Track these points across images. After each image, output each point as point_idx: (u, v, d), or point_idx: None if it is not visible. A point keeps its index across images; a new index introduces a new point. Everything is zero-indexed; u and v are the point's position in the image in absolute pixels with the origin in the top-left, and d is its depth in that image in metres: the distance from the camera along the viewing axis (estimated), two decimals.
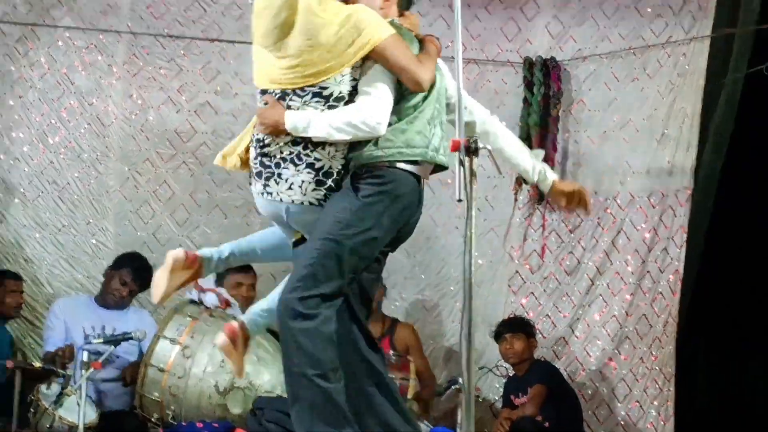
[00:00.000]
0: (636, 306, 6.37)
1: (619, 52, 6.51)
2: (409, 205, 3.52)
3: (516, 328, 5.85)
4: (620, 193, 6.48)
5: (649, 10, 6.47)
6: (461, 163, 3.09)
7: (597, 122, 6.64)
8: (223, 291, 5.74)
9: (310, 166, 3.30)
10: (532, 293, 6.63)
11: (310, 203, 3.32)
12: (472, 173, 3.08)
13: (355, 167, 3.49)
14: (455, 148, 3.14)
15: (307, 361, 3.34)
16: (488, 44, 6.64)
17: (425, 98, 3.53)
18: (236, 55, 6.62)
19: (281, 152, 3.34)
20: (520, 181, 6.36)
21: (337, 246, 3.35)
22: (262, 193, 3.39)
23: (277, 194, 3.34)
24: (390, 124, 3.42)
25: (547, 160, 6.02)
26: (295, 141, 3.31)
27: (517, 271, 6.61)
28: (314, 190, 3.31)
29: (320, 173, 3.28)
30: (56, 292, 6.47)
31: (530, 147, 6.13)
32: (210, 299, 5.61)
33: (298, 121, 3.39)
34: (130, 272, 5.95)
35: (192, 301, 5.62)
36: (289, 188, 3.32)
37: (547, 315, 6.59)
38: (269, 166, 3.36)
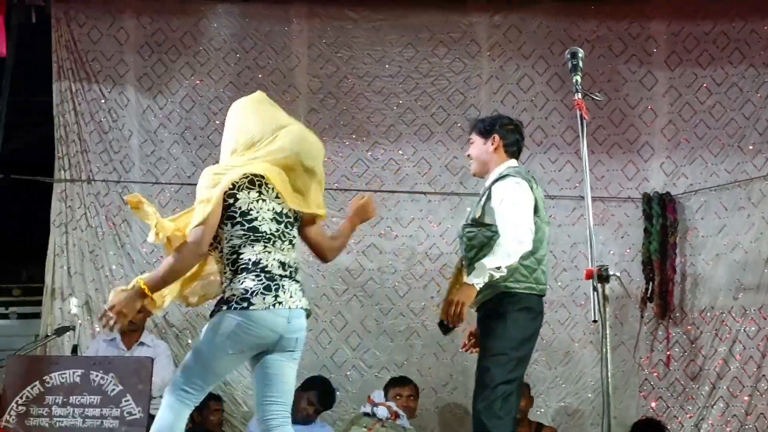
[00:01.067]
0: (754, 406, 7.00)
1: (726, 185, 7.39)
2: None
3: (650, 428, 6.72)
4: (734, 307, 7.22)
5: (750, 147, 7.45)
6: (594, 289, 3.64)
7: (710, 247, 7.41)
8: (392, 404, 6.59)
9: None
10: (661, 397, 7.33)
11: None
12: (605, 297, 3.64)
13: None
14: (589, 276, 3.69)
15: None
16: (611, 183, 7.57)
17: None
18: (395, 203, 7.82)
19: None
20: (645, 299, 7.32)
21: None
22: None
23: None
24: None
25: (667, 281, 7.34)
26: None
27: (646, 378, 7.33)
28: None
29: None
30: (251, 410, 7.15)
31: (652, 271, 7.35)
32: (381, 412, 6.47)
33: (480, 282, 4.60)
34: (316, 394, 6.85)
35: (366, 414, 6.48)
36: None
37: (675, 416, 7.25)
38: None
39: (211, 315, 4.22)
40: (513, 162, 5.05)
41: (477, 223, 4.86)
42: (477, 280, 4.64)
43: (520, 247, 4.65)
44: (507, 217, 4.72)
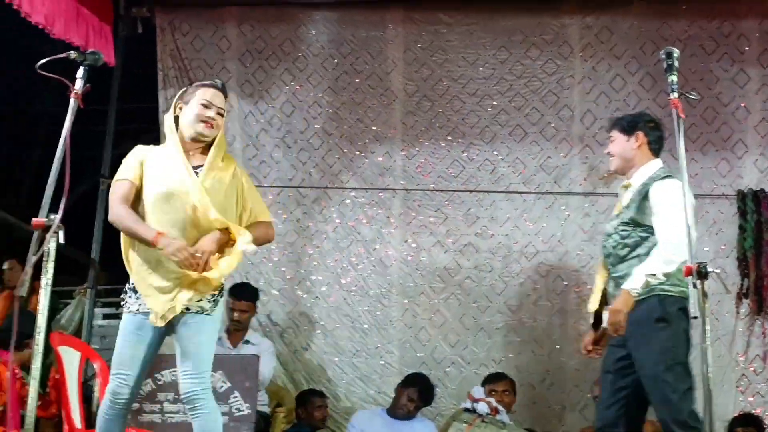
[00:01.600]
0: None
1: None
2: None
3: (748, 423, 6.91)
4: None
5: None
6: (694, 285, 3.72)
7: None
8: (492, 400, 6.82)
9: None
10: (758, 392, 7.48)
11: None
12: (704, 294, 3.73)
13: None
14: (688, 273, 3.76)
15: None
16: (705, 181, 7.72)
17: None
18: (491, 202, 8.08)
19: None
20: (740, 295, 7.55)
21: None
22: None
23: None
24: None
25: (763, 277, 7.56)
26: None
27: (743, 374, 7.49)
28: None
29: None
30: (353, 406, 7.79)
31: (747, 267, 7.60)
32: (481, 407, 6.72)
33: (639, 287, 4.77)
34: (416, 391, 7.12)
35: (466, 409, 6.72)
36: None
37: (754, 409, 7.39)
38: None
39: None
40: (659, 162, 5.18)
41: (633, 222, 4.99)
42: (635, 287, 4.79)
43: (680, 256, 4.62)
44: (669, 223, 4.77)
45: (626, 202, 5.13)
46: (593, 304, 5.33)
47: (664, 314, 4.83)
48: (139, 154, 4.70)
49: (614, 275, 5.08)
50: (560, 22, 8.29)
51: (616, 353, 5.07)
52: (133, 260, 4.55)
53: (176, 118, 4.75)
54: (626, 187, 5.22)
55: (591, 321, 5.36)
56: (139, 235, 4.49)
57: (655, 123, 5.28)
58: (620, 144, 5.21)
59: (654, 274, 4.76)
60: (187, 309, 4.54)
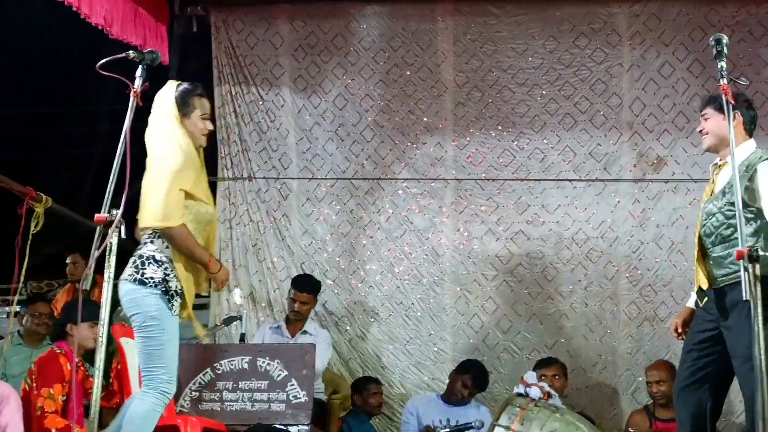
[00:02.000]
0: None
1: None
2: None
3: None
4: None
5: None
6: (745, 269, 3.76)
7: None
8: (545, 385, 6.63)
9: None
10: None
11: None
12: (756, 277, 3.75)
13: None
14: (740, 256, 3.81)
15: None
16: None
17: None
18: (541, 190, 8.15)
19: None
20: None
21: None
22: None
23: None
24: None
25: None
26: None
27: None
28: None
29: None
30: (408, 392, 7.94)
31: None
32: (534, 392, 6.49)
33: None
34: (471, 378, 7.24)
35: (519, 394, 6.47)
36: None
37: None
38: None
39: None
40: (753, 142, 5.02)
41: (744, 202, 4.66)
42: None
43: None
44: None
45: (725, 182, 4.95)
46: (703, 282, 5.10)
47: (764, 297, 4.41)
48: (189, 160, 4.77)
49: (715, 255, 4.92)
50: (608, 10, 8.32)
51: (701, 333, 4.99)
52: (179, 269, 4.68)
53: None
54: (720, 166, 5.07)
55: (693, 300, 5.26)
56: (196, 256, 4.71)
57: (750, 103, 5.15)
58: (716, 122, 4.99)
59: None
60: None
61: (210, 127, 4.89)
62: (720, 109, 4.91)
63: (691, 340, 5.07)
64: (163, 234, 4.63)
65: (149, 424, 4.53)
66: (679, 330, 5.20)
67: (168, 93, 4.80)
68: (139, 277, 4.61)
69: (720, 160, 5.07)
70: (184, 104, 4.79)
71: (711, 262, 4.92)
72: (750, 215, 4.78)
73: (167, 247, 4.65)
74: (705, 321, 4.99)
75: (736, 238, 4.60)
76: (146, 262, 4.66)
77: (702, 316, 5.00)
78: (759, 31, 8.00)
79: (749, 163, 4.88)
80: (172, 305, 4.63)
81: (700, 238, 5.01)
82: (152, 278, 4.61)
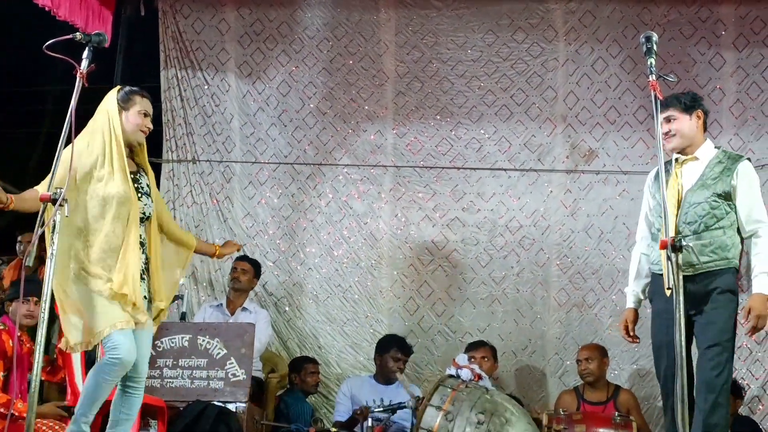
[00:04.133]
0: None
1: None
2: None
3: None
4: None
5: None
6: (669, 258, 3.86)
7: None
8: (475, 367, 6.45)
9: None
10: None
11: None
12: (678, 267, 3.83)
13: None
14: (663, 246, 3.90)
15: None
16: None
17: None
18: (477, 179, 8.24)
19: None
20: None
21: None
22: None
23: None
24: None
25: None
26: None
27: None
28: None
29: None
30: (344, 372, 8.00)
31: None
32: (465, 374, 6.35)
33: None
34: (397, 349, 7.25)
35: (451, 376, 6.32)
36: None
37: (742, 378, 7.40)
38: None
39: None
40: (708, 138, 5.27)
41: (724, 195, 4.99)
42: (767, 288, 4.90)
43: None
44: (761, 208, 5.03)
45: (706, 177, 5.07)
46: (641, 282, 5.41)
47: (736, 287, 4.99)
48: (94, 149, 4.89)
49: (697, 242, 4.89)
50: (545, 6, 8.42)
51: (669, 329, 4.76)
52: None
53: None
54: (683, 162, 5.18)
55: (633, 300, 5.43)
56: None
57: (702, 99, 5.31)
58: (685, 123, 5.13)
59: None
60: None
61: (149, 125, 4.97)
62: (686, 110, 5.12)
63: (660, 331, 5.12)
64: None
65: (93, 391, 4.61)
66: (632, 333, 5.37)
67: (113, 91, 4.94)
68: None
69: (684, 156, 5.18)
70: (125, 99, 4.89)
71: (693, 251, 4.74)
72: (728, 208, 4.99)
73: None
74: (664, 313, 4.94)
75: (718, 229, 4.97)
76: None
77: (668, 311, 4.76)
78: (688, 30, 8.10)
79: (724, 161, 5.09)
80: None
81: (676, 225, 5.01)
82: None
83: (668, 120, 5.12)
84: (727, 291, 4.94)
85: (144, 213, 4.93)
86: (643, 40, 4.38)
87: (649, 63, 4.32)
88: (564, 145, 8.32)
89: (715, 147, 5.22)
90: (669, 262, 3.88)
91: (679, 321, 3.80)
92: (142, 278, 4.86)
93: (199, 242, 5.56)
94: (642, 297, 5.45)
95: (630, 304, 5.44)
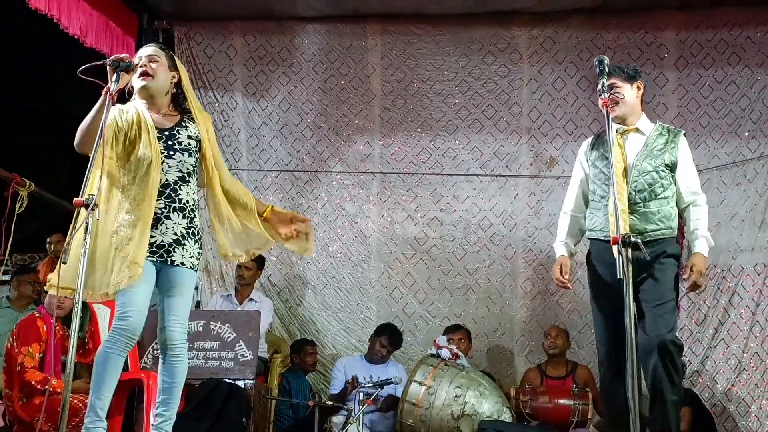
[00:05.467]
0: (749, 346, 7.17)
1: (726, 165, 7.59)
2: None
3: None
4: (733, 265, 7.40)
5: (746, 134, 7.64)
6: (619, 252, 3.72)
7: (712, 216, 6.43)
8: (453, 347, 6.91)
9: None
10: None
11: None
12: (628, 259, 3.69)
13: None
14: (615, 242, 3.75)
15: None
16: None
17: None
18: (453, 183, 8.29)
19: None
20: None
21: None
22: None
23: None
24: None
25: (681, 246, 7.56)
26: None
27: None
28: None
29: None
30: (338, 352, 8.00)
31: None
32: (444, 353, 6.80)
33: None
34: (386, 338, 7.32)
35: (432, 355, 6.78)
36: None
37: (684, 356, 6.94)
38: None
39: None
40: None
41: (671, 166, 4.79)
42: (706, 248, 4.77)
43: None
44: (696, 177, 4.88)
45: (651, 147, 4.83)
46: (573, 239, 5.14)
47: (678, 252, 4.79)
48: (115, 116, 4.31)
49: (644, 210, 4.73)
50: (511, 33, 8.40)
51: (614, 293, 4.43)
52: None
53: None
54: (625, 132, 4.89)
55: (564, 249, 5.10)
56: (93, 113, 4.24)
57: (641, 73, 5.00)
58: (626, 90, 4.83)
59: (708, 229, 4.76)
60: None
61: (144, 65, 4.32)
62: (628, 80, 4.83)
63: (604, 301, 4.83)
64: (78, 146, 4.20)
65: (103, 364, 4.10)
66: (564, 278, 4.95)
67: None
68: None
69: (624, 126, 4.89)
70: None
71: (638, 216, 4.73)
72: (671, 181, 4.79)
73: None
74: (605, 282, 4.76)
75: (663, 198, 4.76)
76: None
77: (608, 277, 4.69)
78: (636, 53, 8.10)
79: (665, 133, 4.88)
80: None
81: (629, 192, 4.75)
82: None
83: (611, 88, 4.75)
84: (671, 256, 4.72)
85: (180, 170, 4.31)
86: (596, 62, 4.32)
87: (601, 83, 4.26)
88: (528, 153, 8.32)
89: (655, 121, 4.99)
90: (620, 256, 3.72)
91: (630, 307, 3.66)
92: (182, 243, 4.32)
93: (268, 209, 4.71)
94: (573, 251, 5.17)
95: (562, 252, 5.08)
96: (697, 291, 4.88)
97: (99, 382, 4.13)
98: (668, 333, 4.48)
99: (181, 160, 4.33)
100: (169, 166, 4.30)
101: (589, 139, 5.11)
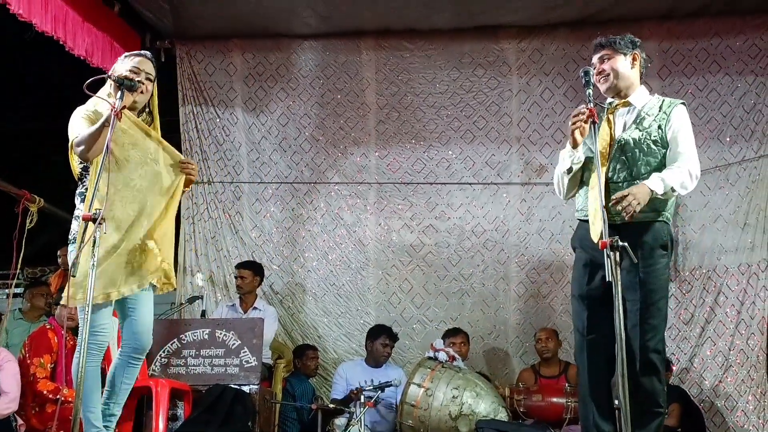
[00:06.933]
0: (735, 344, 7.25)
1: (709, 169, 7.44)
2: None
3: None
4: (717, 266, 7.47)
5: (727, 139, 7.70)
6: (608, 256, 3.54)
7: (697, 219, 7.60)
8: (450, 350, 6.82)
9: None
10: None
11: None
12: (617, 263, 3.56)
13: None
14: (603, 246, 3.56)
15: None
16: None
17: None
18: (447, 192, 8.25)
19: None
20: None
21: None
22: None
23: None
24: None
25: None
26: None
27: None
28: None
29: None
30: (339, 357, 7.99)
31: None
32: (441, 356, 6.71)
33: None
34: (386, 336, 7.26)
35: (429, 358, 6.69)
36: None
37: (673, 353, 7.35)
38: None
39: None
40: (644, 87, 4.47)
41: (661, 142, 4.29)
42: (656, 188, 4.07)
43: (695, 181, 4.23)
44: (692, 150, 4.27)
45: (639, 122, 4.36)
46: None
47: (668, 242, 4.20)
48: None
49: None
50: (500, 46, 8.42)
51: (595, 275, 4.29)
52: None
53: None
54: (617, 106, 4.46)
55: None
56: (96, 130, 4.23)
57: (640, 43, 4.49)
58: (618, 62, 4.38)
59: (674, 189, 4.12)
60: None
61: (137, 78, 4.34)
62: (620, 50, 4.39)
63: (581, 282, 4.44)
64: (79, 156, 4.23)
65: (88, 376, 4.12)
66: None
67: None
68: (70, 236, 4.32)
69: (618, 99, 4.46)
70: (120, 65, 4.46)
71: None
72: (662, 157, 4.27)
73: (82, 201, 4.26)
74: (589, 263, 4.38)
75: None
76: (73, 220, 4.37)
77: (596, 258, 4.21)
78: None
79: (660, 105, 4.38)
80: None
81: (606, 173, 4.29)
82: (74, 233, 4.27)
83: (602, 60, 4.43)
84: (658, 247, 4.17)
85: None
86: (582, 73, 4.21)
87: (587, 93, 4.18)
88: (519, 162, 8.33)
89: (654, 93, 4.54)
90: (608, 259, 3.53)
91: (619, 308, 3.51)
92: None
93: None
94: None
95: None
96: (621, 206, 4.03)
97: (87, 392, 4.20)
98: (650, 341, 4.09)
99: None
100: None
101: None
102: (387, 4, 7.82)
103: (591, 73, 4.21)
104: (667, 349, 6.64)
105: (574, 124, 4.24)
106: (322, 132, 8.45)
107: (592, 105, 4.11)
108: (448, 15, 7.98)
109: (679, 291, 7.66)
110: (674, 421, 6.57)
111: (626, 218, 4.01)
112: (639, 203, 4.00)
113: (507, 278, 8.24)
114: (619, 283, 3.54)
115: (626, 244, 3.54)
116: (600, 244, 3.60)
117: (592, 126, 4.12)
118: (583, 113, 4.18)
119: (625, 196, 4.00)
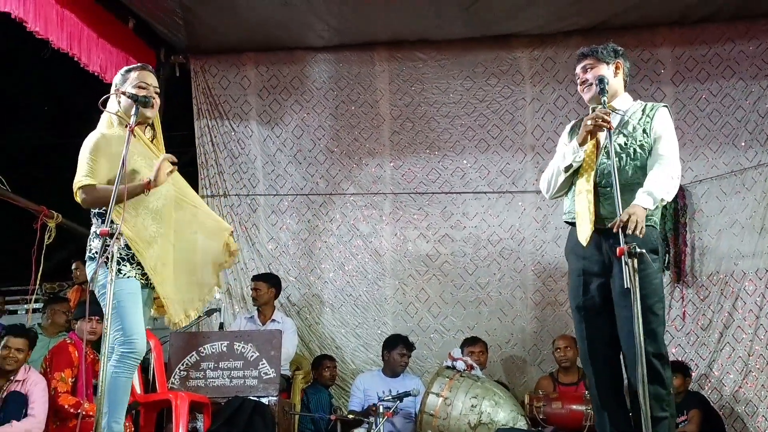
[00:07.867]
0: (755, 349, 7.14)
1: (724, 174, 7.57)
2: None
3: (677, 370, 6.33)
4: (735, 271, 7.37)
5: (742, 144, 7.66)
6: (626, 263, 3.54)
7: (713, 224, 7.53)
8: (468, 358, 6.83)
9: None
10: (679, 345, 7.49)
11: None
12: (634, 269, 3.55)
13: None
14: (621, 253, 3.56)
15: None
16: None
17: None
18: (462, 201, 8.24)
19: None
20: (663, 268, 6.57)
21: None
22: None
23: None
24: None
25: (681, 252, 7.46)
26: None
27: (666, 330, 6.72)
28: None
29: None
30: (357, 367, 7.97)
31: (668, 246, 7.44)
32: (460, 365, 6.72)
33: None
34: (403, 345, 7.22)
35: (447, 367, 6.69)
36: None
37: (691, 359, 7.35)
38: None
39: None
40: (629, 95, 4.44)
41: (647, 148, 4.22)
42: (648, 205, 4.00)
43: (677, 181, 4.19)
44: (673, 153, 4.20)
45: (624, 128, 4.30)
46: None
47: (658, 246, 4.15)
48: (103, 146, 4.36)
49: (612, 196, 4.05)
50: (513, 55, 8.41)
51: (590, 285, 4.27)
52: (125, 232, 4.22)
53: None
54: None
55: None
56: (126, 196, 4.28)
57: (623, 52, 4.46)
58: (601, 71, 4.34)
59: (663, 199, 4.08)
60: None
61: (142, 93, 4.35)
62: (603, 60, 4.36)
63: (578, 292, 4.37)
64: (81, 202, 4.28)
65: (117, 390, 4.12)
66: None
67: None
68: (88, 254, 4.28)
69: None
70: (122, 80, 4.46)
71: (607, 203, 4.20)
72: (647, 155, 4.22)
73: (102, 221, 4.21)
74: (585, 273, 4.31)
75: (638, 183, 4.14)
76: (90, 239, 4.33)
77: (582, 270, 4.28)
78: (633, 70, 7.71)
79: (643, 111, 4.33)
80: (120, 269, 4.18)
81: (594, 179, 4.27)
82: (94, 251, 4.22)
83: (585, 69, 4.39)
84: (648, 251, 3.88)
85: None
86: (597, 81, 4.22)
87: (603, 100, 4.17)
88: (533, 170, 8.29)
89: (638, 100, 4.48)
90: (626, 266, 3.54)
91: (637, 315, 3.48)
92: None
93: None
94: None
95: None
96: (630, 229, 3.87)
97: (118, 406, 4.17)
98: (649, 346, 3.89)
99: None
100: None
101: (572, 122, 4.69)
102: (399, 15, 7.81)
103: (605, 80, 4.20)
104: (685, 354, 7.38)
105: (595, 123, 4.16)
106: (336, 143, 8.45)
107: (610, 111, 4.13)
108: (460, 25, 7.96)
109: (696, 296, 7.60)
110: (695, 428, 6.54)
111: (639, 234, 3.88)
112: (641, 222, 3.92)
113: (524, 286, 8.19)
114: (638, 289, 3.52)
115: (644, 251, 3.55)
116: (618, 250, 3.58)
117: (578, 128, 4.27)
118: (608, 121, 4.14)
119: (629, 217, 3.88)
